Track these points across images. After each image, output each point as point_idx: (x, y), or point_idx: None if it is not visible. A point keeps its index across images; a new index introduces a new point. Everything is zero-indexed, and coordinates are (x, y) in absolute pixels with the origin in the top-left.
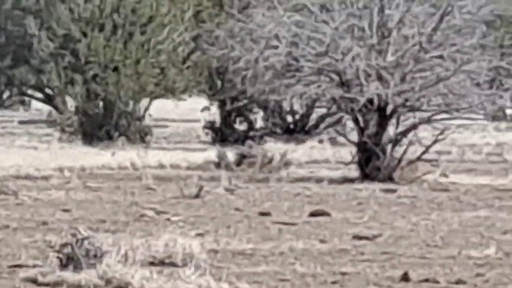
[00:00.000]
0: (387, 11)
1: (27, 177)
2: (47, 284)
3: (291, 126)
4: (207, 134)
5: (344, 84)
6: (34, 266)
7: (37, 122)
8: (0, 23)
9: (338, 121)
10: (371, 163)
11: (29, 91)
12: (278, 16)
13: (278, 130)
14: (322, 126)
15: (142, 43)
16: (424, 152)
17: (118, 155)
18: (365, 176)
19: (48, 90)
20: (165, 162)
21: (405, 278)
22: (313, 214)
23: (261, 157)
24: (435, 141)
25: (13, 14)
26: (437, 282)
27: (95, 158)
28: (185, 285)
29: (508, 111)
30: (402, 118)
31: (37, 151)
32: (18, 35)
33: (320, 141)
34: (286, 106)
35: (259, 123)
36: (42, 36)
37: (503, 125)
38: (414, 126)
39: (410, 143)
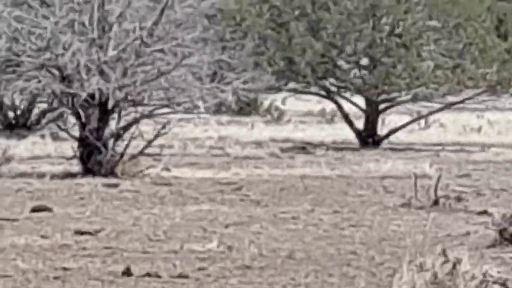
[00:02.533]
0: (107, 6)
1: None
2: None
3: (13, 121)
4: None
5: (65, 79)
6: None
7: None
8: None
9: (60, 116)
10: (92, 157)
11: None
12: None
13: (0, 126)
14: (44, 121)
15: None
16: (146, 147)
17: None
18: (87, 171)
19: None
20: None
21: (127, 272)
22: (34, 210)
23: None
24: (156, 136)
25: None
26: (159, 276)
27: None
28: None
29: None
30: (124, 112)
31: None
32: None
33: (42, 136)
34: (7, 101)
35: None
36: None
37: (224, 118)
38: (136, 121)
39: (132, 137)
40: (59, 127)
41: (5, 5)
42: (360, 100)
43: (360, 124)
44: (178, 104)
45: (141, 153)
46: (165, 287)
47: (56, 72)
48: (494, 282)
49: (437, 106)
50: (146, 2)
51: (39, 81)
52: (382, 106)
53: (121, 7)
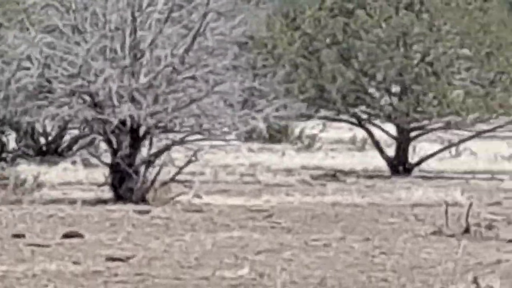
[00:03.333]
0: (139, 33)
1: None
2: None
3: (44, 148)
4: None
5: (96, 105)
6: None
7: None
8: None
9: (91, 142)
10: (124, 184)
11: None
12: (30, 37)
13: (31, 152)
14: (75, 148)
15: None
16: (177, 173)
17: None
18: (119, 198)
19: None
20: None
21: None
22: (66, 236)
23: (13, 179)
24: (188, 162)
25: None
26: None
27: None
28: None
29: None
30: (155, 139)
31: None
32: None
33: (73, 163)
34: (39, 127)
35: (12, 145)
36: None
37: (255, 145)
38: (167, 148)
39: (164, 164)
40: (90, 153)
41: (37, 31)
42: (391, 128)
43: (391, 151)
44: (210, 131)
45: (172, 180)
46: None
47: (88, 99)
48: None
49: (468, 134)
50: (178, 29)
51: (71, 108)
52: (413, 133)
53: (153, 34)
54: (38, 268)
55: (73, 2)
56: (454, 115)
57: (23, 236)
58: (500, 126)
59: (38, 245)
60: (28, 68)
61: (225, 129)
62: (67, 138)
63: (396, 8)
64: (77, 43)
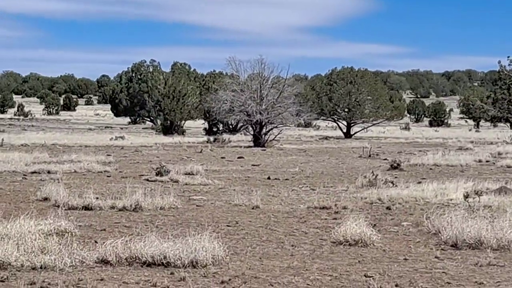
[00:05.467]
0: (263, 91)
1: None
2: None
3: (231, 128)
4: None
5: (248, 115)
6: None
7: None
8: None
9: (246, 127)
10: (257, 141)
11: None
12: (225, 93)
13: (227, 130)
14: (241, 129)
15: None
16: (275, 137)
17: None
18: (255, 145)
19: None
20: (192, 141)
21: (269, 178)
22: (238, 158)
23: (221, 138)
24: (278, 134)
25: None
26: (282, 178)
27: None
28: (195, 180)
29: None
30: (268, 126)
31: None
32: None
33: (241, 134)
34: (229, 122)
35: (221, 128)
36: None
37: (300, 128)
38: (271, 129)
39: (270, 134)
40: (246, 130)
41: (228, 91)
42: (344, 123)
43: (344, 130)
44: (284, 124)
45: (273, 139)
46: (282, 183)
47: (246, 113)
48: (388, 181)
49: (370, 124)
50: (275, 90)
51: (240, 116)
52: (351, 124)
53: (267, 91)
54: (228, 168)
55: (240, 83)
56: (365, 118)
57: (223, 158)
58: (378, 122)
59: (229, 160)
60: (225, 103)
61: (290, 123)
62: (239, 125)
63: (346, 83)
64: (242, 95)
